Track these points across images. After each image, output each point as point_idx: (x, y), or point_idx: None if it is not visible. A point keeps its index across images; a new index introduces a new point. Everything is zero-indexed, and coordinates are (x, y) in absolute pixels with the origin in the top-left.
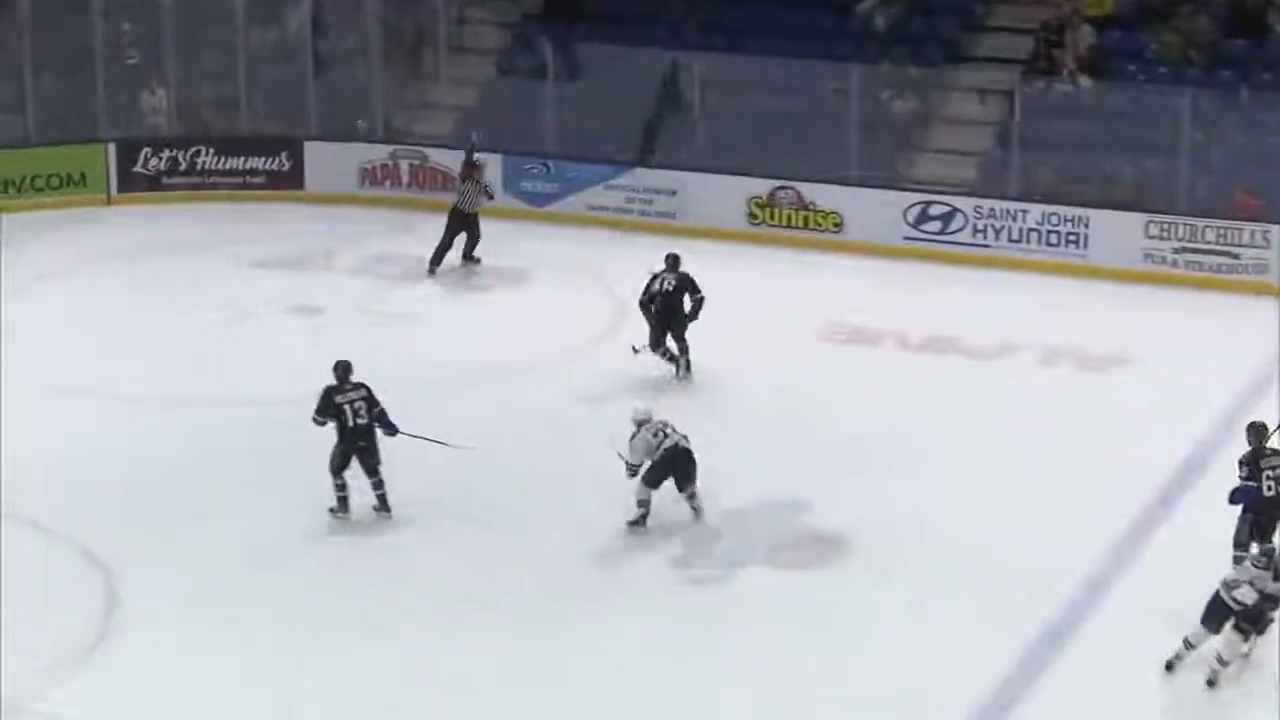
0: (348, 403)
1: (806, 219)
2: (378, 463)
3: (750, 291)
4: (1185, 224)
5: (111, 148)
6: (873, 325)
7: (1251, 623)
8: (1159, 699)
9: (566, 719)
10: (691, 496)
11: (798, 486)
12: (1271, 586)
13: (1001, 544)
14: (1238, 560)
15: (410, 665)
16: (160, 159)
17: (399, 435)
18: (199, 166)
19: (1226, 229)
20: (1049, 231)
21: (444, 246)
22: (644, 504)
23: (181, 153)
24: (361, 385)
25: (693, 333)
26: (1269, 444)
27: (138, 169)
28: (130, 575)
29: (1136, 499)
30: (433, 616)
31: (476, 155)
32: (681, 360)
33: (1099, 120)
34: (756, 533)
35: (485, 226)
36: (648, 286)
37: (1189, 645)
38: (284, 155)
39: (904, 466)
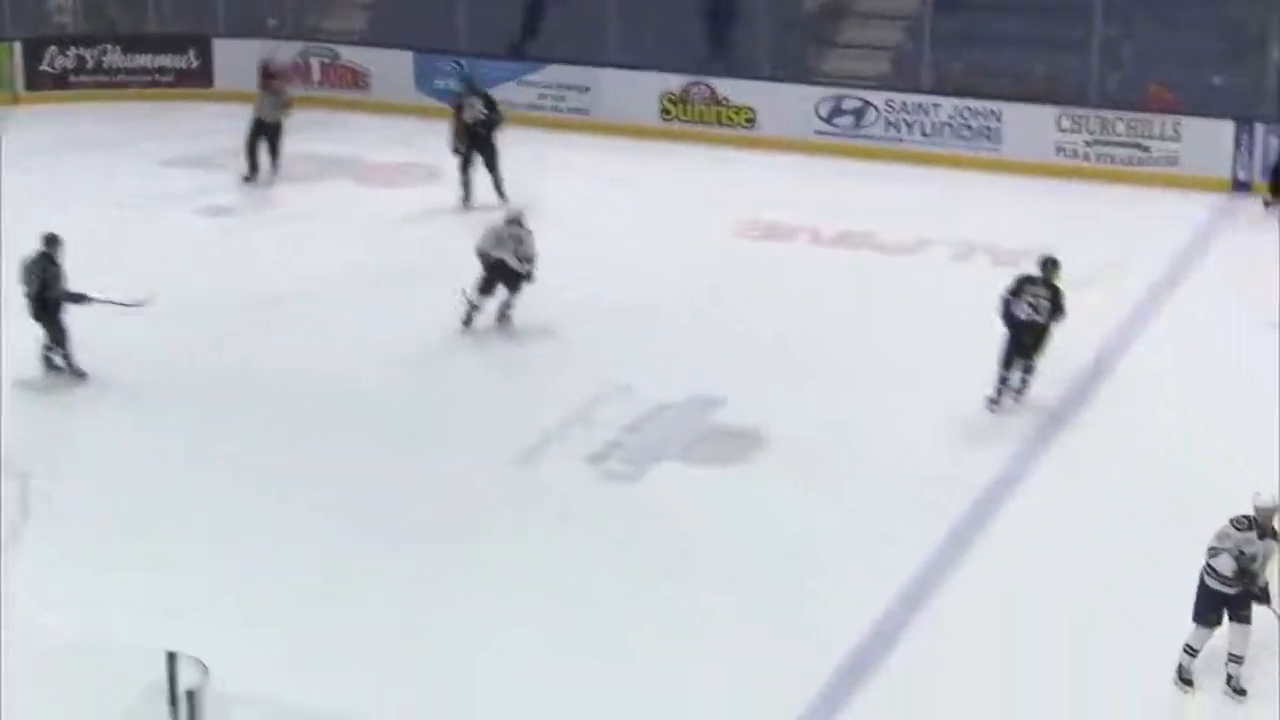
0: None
1: (719, 115)
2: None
3: (663, 188)
4: (1097, 117)
5: (17, 46)
6: (786, 221)
7: (1246, 604)
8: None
9: (483, 623)
10: (508, 306)
11: (712, 383)
12: (1252, 547)
13: (917, 440)
14: (1002, 380)
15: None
16: (67, 57)
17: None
18: (106, 65)
19: (1137, 122)
20: (961, 125)
21: (251, 153)
22: (475, 307)
23: (88, 51)
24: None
25: (606, 230)
26: (1052, 278)
27: (44, 67)
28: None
29: (1052, 391)
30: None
31: (281, 64)
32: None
33: (1011, 14)
34: (671, 429)
35: (401, 124)
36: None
37: (1191, 651)
38: (192, 53)
39: (818, 363)
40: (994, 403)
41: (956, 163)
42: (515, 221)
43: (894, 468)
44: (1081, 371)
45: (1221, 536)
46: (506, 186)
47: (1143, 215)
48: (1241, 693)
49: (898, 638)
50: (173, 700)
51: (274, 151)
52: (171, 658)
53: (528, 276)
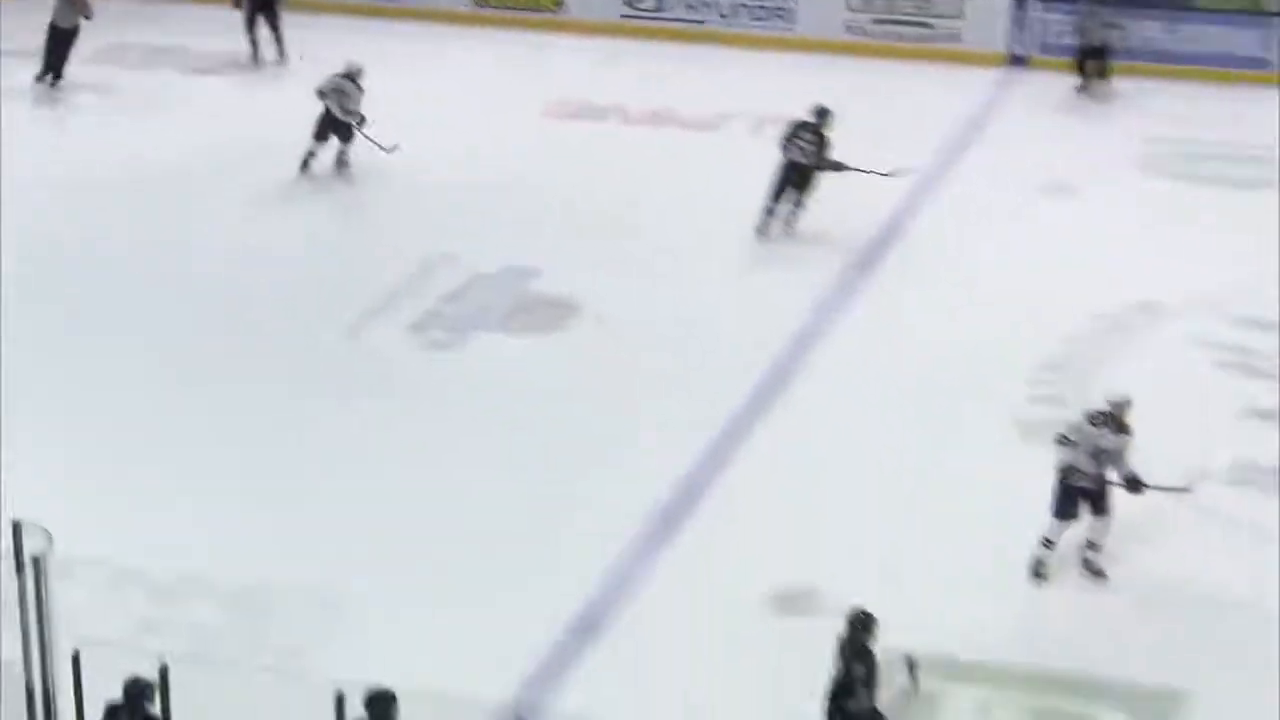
0: None
1: (529, 3)
2: None
3: (478, 72)
4: None
5: None
6: (596, 101)
7: (1105, 497)
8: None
9: (308, 485)
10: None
11: (528, 255)
12: (1106, 441)
13: (719, 305)
14: (769, 211)
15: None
16: None
17: None
18: None
19: (921, 1)
20: (756, 6)
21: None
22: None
23: None
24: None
25: (423, 113)
26: (822, 127)
27: None
28: None
29: (837, 259)
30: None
31: None
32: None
33: None
34: (491, 298)
35: (211, 12)
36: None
37: (1049, 544)
38: None
39: (629, 234)
40: (761, 231)
41: (753, 43)
42: (348, 76)
43: (699, 332)
44: (873, 238)
45: (1075, 431)
46: (292, 48)
47: (927, 89)
48: (1100, 574)
49: (701, 495)
50: (19, 567)
51: (59, 58)
52: (16, 526)
53: (354, 127)
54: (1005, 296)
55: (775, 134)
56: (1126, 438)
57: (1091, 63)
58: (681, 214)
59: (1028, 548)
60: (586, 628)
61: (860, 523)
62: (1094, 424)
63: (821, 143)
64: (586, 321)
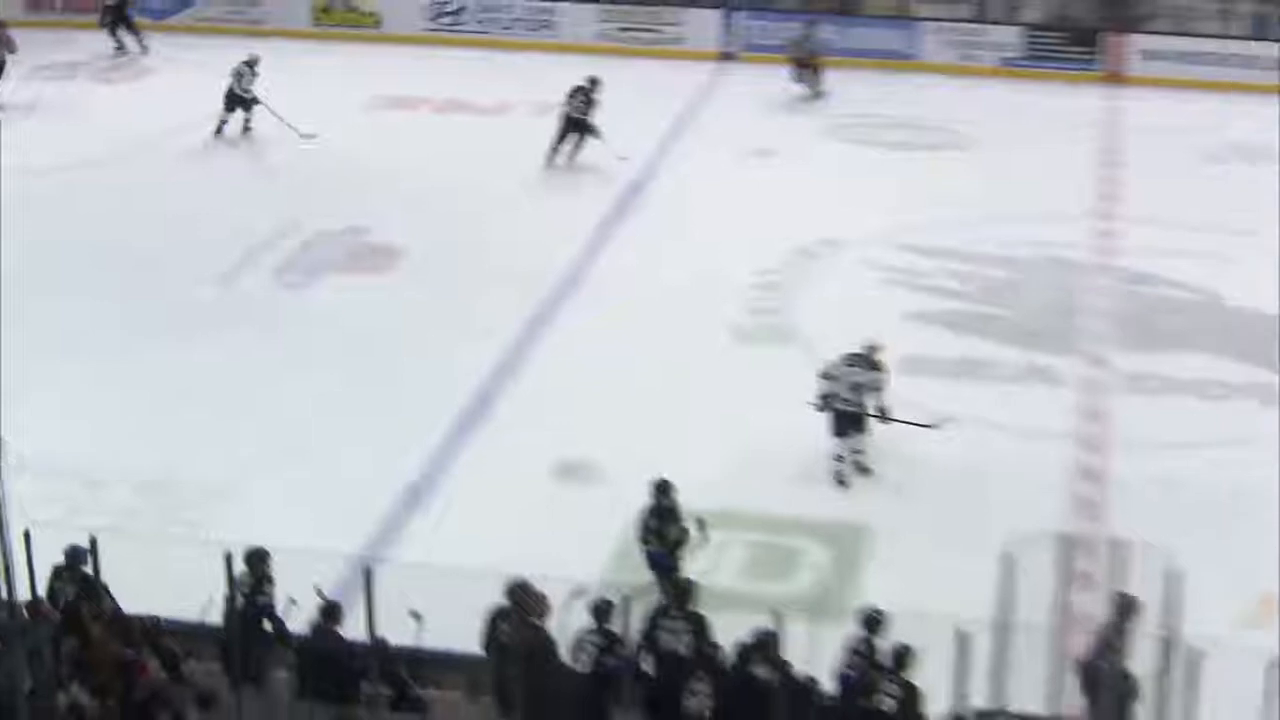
0: None
1: (355, 19)
2: None
3: (314, 76)
4: (624, 10)
5: None
6: (409, 95)
7: (862, 419)
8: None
9: (200, 397)
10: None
11: (357, 216)
12: (859, 377)
13: (515, 245)
14: (553, 150)
15: None
16: None
17: None
18: None
19: (652, 12)
20: (530, 20)
21: None
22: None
23: None
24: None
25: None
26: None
27: None
28: None
29: (597, 209)
30: None
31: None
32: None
33: None
34: (333, 249)
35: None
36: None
37: (840, 458)
38: None
39: (437, 193)
40: (548, 163)
41: (527, 47)
42: (247, 63)
43: (492, 263)
44: (623, 188)
45: (834, 369)
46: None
47: (659, 79)
48: (867, 470)
49: (499, 392)
50: None
51: None
52: None
53: (254, 103)
54: (725, 235)
55: (550, 118)
56: (878, 374)
57: (805, 64)
58: (479, 175)
59: (745, 418)
60: (414, 496)
61: (622, 411)
62: (849, 363)
63: (589, 102)
64: (408, 263)
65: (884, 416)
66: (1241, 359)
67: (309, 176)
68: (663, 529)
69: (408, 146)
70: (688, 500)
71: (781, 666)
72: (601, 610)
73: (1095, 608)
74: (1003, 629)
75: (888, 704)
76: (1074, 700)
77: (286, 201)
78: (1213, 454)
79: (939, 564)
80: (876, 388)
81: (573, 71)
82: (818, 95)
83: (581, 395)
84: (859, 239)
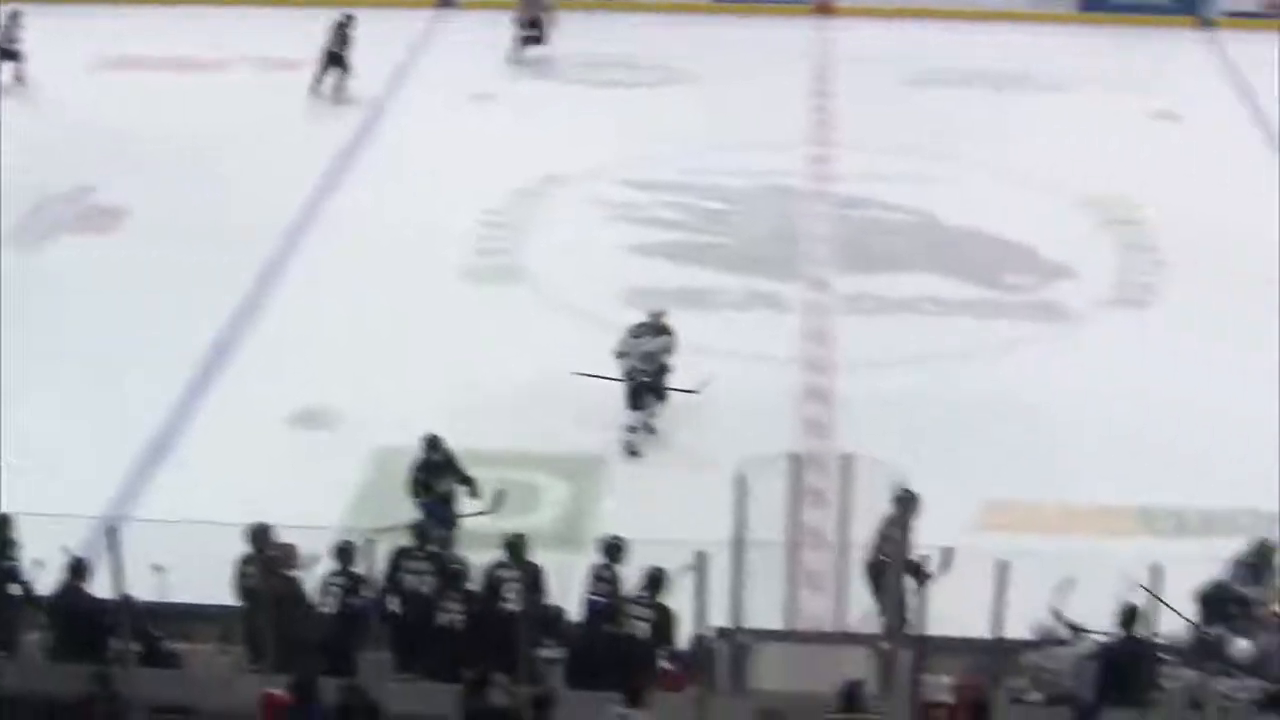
0: None
1: None
2: None
3: (39, 39)
4: None
5: None
6: (134, 55)
7: (661, 387)
8: None
9: None
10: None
11: (85, 176)
12: (649, 345)
13: (226, 197)
14: (317, 80)
15: None
16: None
17: None
18: None
19: None
20: None
21: None
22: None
23: None
24: None
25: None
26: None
27: None
28: None
29: (323, 159)
30: None
31: None
32: None
33: None
34: (58, 211)
35: None
36: None
37: (632, 430)
38: None
39: (164, 151)
40: (312, 92)
41: (250, 3)
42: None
43: (229, 220)
44: (349, 138)
45: (624, 344)
46: None
47: (377, 30)
48: (635, 453)
49: (236, 342)
50: None
51: None
52: None
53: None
54: (451, 179)
55: (275, 73)
56: (667, 338)
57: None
58: (213, 131)
59: (478, 358)
60: (157, 449)
61: (357, 355)
62: (637, 334)
63: (345, 39)
64: (138, 220)
65: (658, 388)
66: (956, 276)
67: (36, 138)
68: (430, 481)
69: (134, 105)
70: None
71: (530, 594)
72: (344, 552)
73: (827, 523)
74: (739, 548)
75: (640, 628)
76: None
77: (14, 163)
78: (934, 369)
79: (674, 490)
80: (667, 351)
81: (296, 26)
82: (539, 43)
83: (316, 341)
84: (581, 176)
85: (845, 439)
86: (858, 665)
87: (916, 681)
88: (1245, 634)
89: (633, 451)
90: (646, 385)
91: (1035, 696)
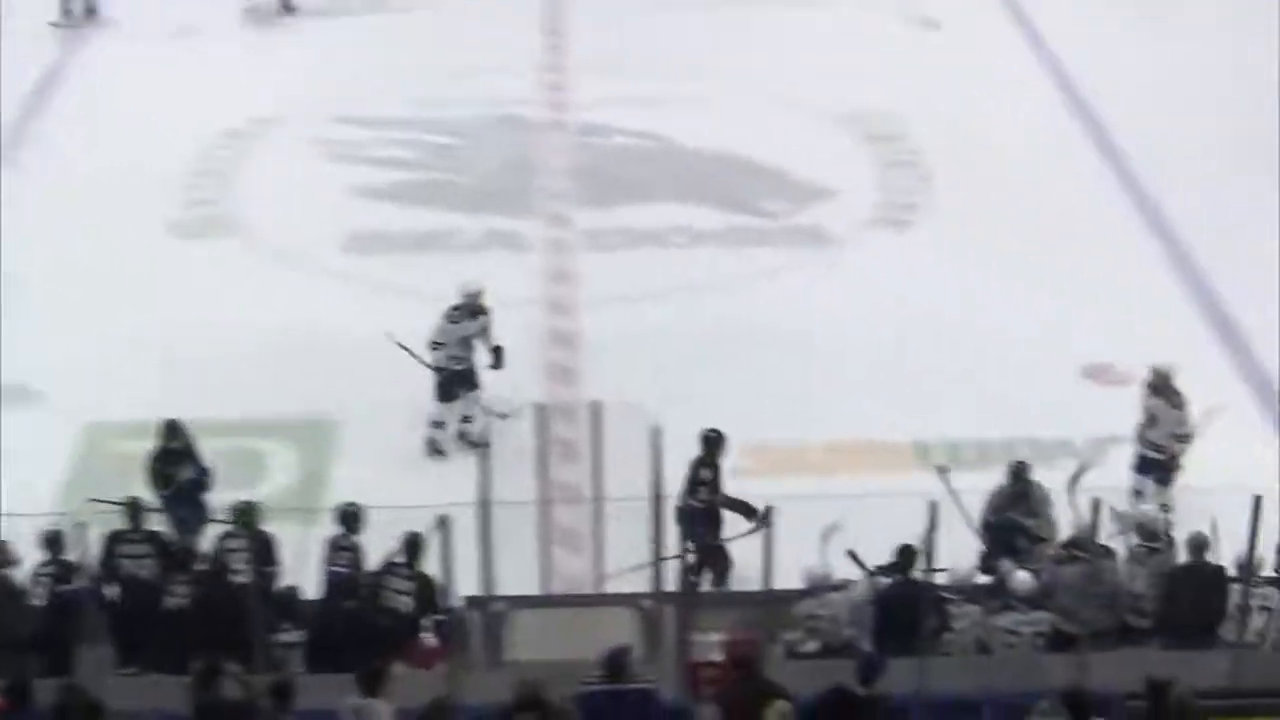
0: None
1: None
2: None
3: None
4: None
5: None
6: None
7: (473, 376)
8: None
9: None
10: None
11: None
12: (467, 329)
13: None
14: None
15: None
16: None
17: None
18: None
19: None
20: None
21: None
22: None
23: None
24: None
25: None
26: None
27: None
28: None
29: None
30: None
31: None
32: None
33: None
34: None
35: None
36: None
37: (439, 425)
38: None
39: None
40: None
41: None
42: None
43: None
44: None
45: (439, 333)
46: None
47: None
48: (474, 442)
49: None
50: None
51: None
52: None
53: None
54: (153, 120)
55: None
56: (485, 318)
57: None
58: None
59: (192, 317)
60: None
61: (61, 322)
62: (452, 319)
63: None
64: None
65: (472, 378)
66: (706, 204)
67: None
68: (170, 471)
69: None
70: (132, 413)
71: (259, 565)
72: (53, 540)
73: (580, 477)
74: (485, 509)
75: (402, 601)
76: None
77: None
78: (684, 305)
79: (413, 453)
80: (485, 331)
81: None
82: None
83: (12, 310)
84: (295, 115)
85: (594, 384)
86: (621, 628)
87: (684, 641)
88: (1026, 566)
89: (437, 450)
90: (459, 375)
91: (811, 647)
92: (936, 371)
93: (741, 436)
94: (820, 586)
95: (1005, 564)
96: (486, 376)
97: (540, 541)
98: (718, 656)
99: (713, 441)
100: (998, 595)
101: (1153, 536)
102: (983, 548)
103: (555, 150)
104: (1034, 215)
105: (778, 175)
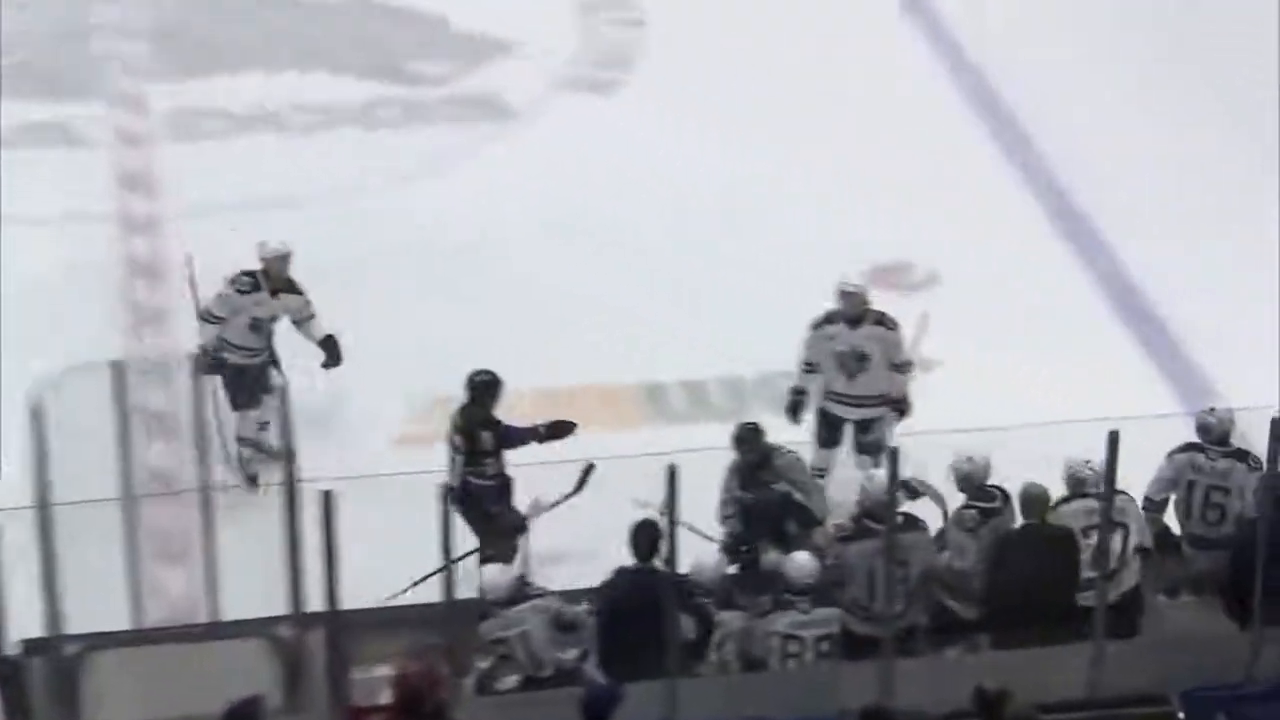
0: None
1: None
2: None
3: None
4: None
5: None
6: None
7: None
8: None
9: None
10: None
11: None
12: (263, 309)
13: None
14: None
15: None
16: None
17: None
18: None
19: None
20: None
21: None
22: None
23: None
24: None
25: None
26: None
27: None
28: None
29: None
30: None
31: None
32: None
33: None
34: None
35: None
36: None
37: (244, 440)
38: None
39: None
40: None
41: None
42: None
43: None
44: None
45: (217, 304)
46: None
47: None
48: (269, 451)
49: None
50: None
51: None
52: None
53: None
54: None
55: None
56: (299, 298)
57: None
58: None
59: None
60: None
61: None
62: (243, 289)
63: None
64: None
65: (334, 351)
66: (334, 69)
67: None
68: None
69: None
70: None
71: None
72: None
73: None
74: (44, 513)
75: None
76: None
77: None
78: (311, 211)
79: None
80: (309, 316)
81: None
82: None
83: None
84: None
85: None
86: (250, 668)
87: (338, 680)
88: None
89: (251, 477)
90: (251, 371)
91: (511, 681)
92: (669, 290)
93: (414, 388)
94: (504, 598)
95: (774, 553)
96: None
97: (127, 553)
98: (386, 698)
99: (487, 386)
100: (766, 589)
101: (984, 494)
102: (744, 530)
103: (117, 3)
104: (802, 73)
105: (435, 26)
